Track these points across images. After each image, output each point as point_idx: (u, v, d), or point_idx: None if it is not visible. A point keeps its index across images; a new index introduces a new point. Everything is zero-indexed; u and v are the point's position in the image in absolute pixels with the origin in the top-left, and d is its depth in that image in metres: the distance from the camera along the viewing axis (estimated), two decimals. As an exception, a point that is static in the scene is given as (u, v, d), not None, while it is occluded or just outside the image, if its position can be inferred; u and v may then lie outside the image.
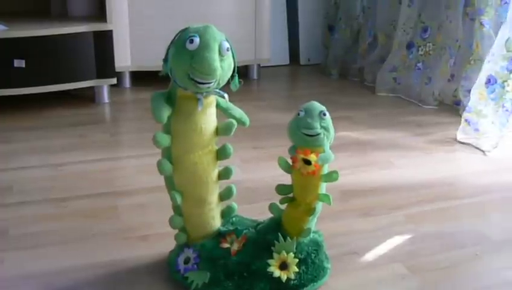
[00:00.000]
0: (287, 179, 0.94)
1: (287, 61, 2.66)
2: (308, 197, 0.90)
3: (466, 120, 1.66)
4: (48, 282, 0.95)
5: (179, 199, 0.89)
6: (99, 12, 2.16)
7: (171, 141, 0.85)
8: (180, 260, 0.93)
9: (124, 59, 2.11)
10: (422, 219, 1.19)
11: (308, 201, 0.90)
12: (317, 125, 0.86)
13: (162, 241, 1.04)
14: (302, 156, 0.86)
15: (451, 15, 1.94)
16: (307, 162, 0.86)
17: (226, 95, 0.85)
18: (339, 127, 0.89)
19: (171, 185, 0.90)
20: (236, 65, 0.84)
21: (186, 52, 0.78)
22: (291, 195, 0.93)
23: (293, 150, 0.89)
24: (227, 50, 0.81)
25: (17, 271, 0.98)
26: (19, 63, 1.79)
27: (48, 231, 1.12)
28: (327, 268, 0.95)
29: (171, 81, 0.84)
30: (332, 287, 0.94)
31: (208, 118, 0.86)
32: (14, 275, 0.97)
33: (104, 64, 1.94)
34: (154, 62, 2.13)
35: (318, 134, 0.86)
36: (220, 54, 0.79)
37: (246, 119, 0.91)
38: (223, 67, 0.80)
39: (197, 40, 0.78)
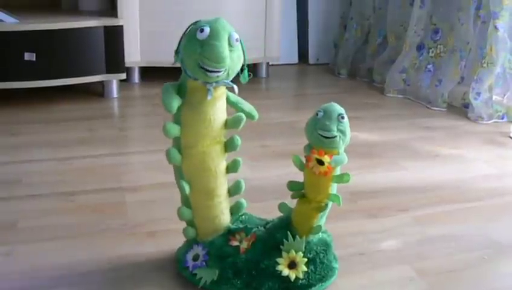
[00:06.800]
0: (295, 177, 0.93)
1: (296, 60, 2.67)
2: (319, 196, 0.90)
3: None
4: (55, 276, 0.95)
5: (187, 189, 0.89)
6: (110, 7, 2.17)
7: (180, 131, 0.86)
8: (189, 256, 0.93)
9: (134, 54, 2.12)
10: (430, 221, 1.18)
11: (319, 200, 0.90)
12: (334, 128, 0.86)
13: (170, 238, 1.04)
14: (316, 156, 0.86)
15: (463, 17, 1.93)
16: (320, 163, 0.86)
17: (235, 87, 0.85)
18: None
19: (179, 175, 0.90)
20: (246, 58, 0.84)
21: (196, 42, 0.79)
22: (302, 191, 0.93)
23: (308, 149, 0.89)
24: (237, 41, 0.81)
25: (25, 264, 0.98)
26: (29, 56, 1.79)
27: (56, 224, 1.13)
28: (335, 268, 0.95)
29: (182, 73, 0.85)
30: (340, 288, 0.94)
31: (217, 110, 0.87)
32: (22, 268, 0.97)
33: (114, 59, 1.95)
34: (163, 58, 2.15)
35: (334, 137, 0.86)
36: (230, 44, 0.80)
37: (255, 113, 0.91)
38: (233, 58, 0.81)
39: (207, 29, 0.79)
